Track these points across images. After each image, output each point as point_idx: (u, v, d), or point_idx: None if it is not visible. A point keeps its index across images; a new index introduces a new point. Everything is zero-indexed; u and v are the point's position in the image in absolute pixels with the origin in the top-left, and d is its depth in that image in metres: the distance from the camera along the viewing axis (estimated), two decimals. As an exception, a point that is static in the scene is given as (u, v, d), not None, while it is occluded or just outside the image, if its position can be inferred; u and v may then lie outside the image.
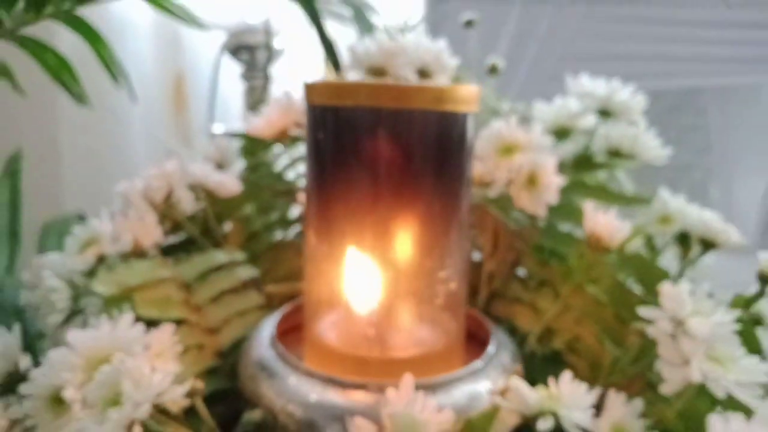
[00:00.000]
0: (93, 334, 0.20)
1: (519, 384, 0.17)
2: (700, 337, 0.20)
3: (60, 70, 0.54)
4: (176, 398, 0.19)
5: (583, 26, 0.69)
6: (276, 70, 0.75)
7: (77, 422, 0.18)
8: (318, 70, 0.76)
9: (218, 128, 0.80)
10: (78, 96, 0.60)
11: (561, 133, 0.32)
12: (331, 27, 0.45)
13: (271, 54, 0.65)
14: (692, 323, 0.20)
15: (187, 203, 0.31)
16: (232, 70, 0.79)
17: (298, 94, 0.37)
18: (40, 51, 0.44)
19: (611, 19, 0.69)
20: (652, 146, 0.30)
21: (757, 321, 0.28)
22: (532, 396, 0.17)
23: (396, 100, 0.19)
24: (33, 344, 0.48)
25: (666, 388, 0.20)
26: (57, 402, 0.20)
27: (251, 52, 0.74)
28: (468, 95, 0.20)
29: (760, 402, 0.20)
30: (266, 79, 0.73)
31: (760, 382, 0.20)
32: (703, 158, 0.83)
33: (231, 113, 0.90)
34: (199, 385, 0.20)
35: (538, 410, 0.17)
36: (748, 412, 0.19)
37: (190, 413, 0.21)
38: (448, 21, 0.71)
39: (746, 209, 0.84)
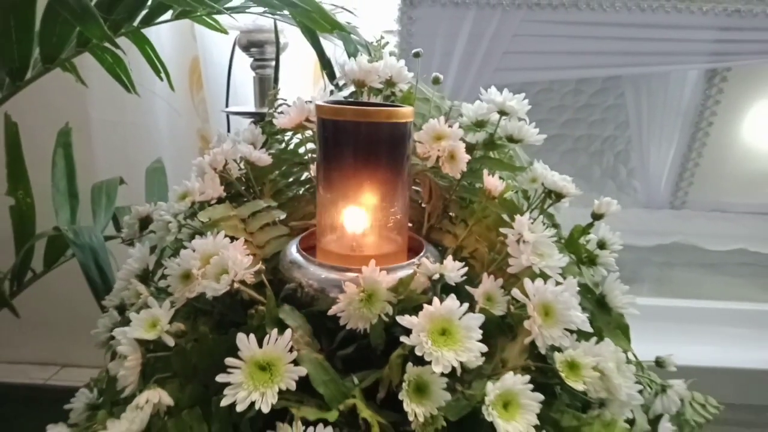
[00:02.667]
0: (203, 241, 0.35)
1: (425, 261, 0.33)
2: (530, 242, 0.35)
3: (116, 67, 0.68)
4: (251, 274, 0.34)
5: (523, 27, 0.83)
6: (282, 61, 0.86)
7: (200, 287, 0.34)
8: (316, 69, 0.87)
9: (232, 108, 0.94)
10: (128, 86, 0.74)
11: (479, 124, 0.47)
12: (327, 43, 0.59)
13: (278, 49, 0.78)
14: (526, 235, 0.36)
15: (236, 170, 0.46)
16: (244, 60, 0.91)
17: (304, 89, 0.52)
18: (99, 51, 0.58)
19: (547, 22, 0.83)
20: (531, 133, 0.45)
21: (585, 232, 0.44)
22: (432, 267, 0.33)
23: (367, 116, 0.34)
24: (104, 268, 0.64)
25: (512, 270, 0.36)
26: (186, 277, 0.35)
27: (261, 47, 0.86)
28: (407, 113, 0.35)
29: (560, 277, 0.36)
30: (274, 69, 0.85)
31: (561, 266, 0.36)
32: (624, 131, 0.98)
33: (242, 96, 1.03)
34: (263, 267, 0.35)
35: (434, 273, 0.32)
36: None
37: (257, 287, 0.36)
38: (418, 23, 0.85)
39: (659, 172, 1.01)
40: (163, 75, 0.71)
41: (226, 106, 0.96)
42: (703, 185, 0.99)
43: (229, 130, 0.98)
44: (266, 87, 0.90)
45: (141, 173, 0.95)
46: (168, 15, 0.57)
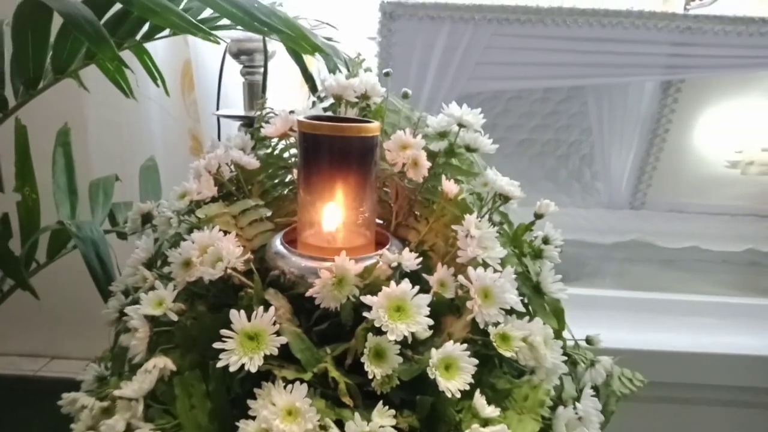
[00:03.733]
0: (201, 234, 0.42)
1: (386, 252, 0.40)
2: (476, 237, 0.42)
3: (117, 74, 0.74)
4: (241, 262, 0.41)
5: (494, 40, 0.90)
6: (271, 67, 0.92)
7: (199, 272, 0.40)
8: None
9: (222, 111, 1.00)
10: (127, 92, 0.80)
11: (441, 135, 0.54)
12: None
13: (266, 57, 0.83)
14: (473, 231, 0.42)
15: (227, 172, 0.52)
16: (234, 65, 0.97)
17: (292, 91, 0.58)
18: (103, 62, 0.64)
19: (515, 36, 0.90)
20: (485, 143, 0.52)
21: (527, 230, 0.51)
22: (391, 257, 0.39)
23: (340, 131, 0.41)
24: (105, 259, 0.70)
25: (461, 260, 0.43)
26: (186, 264, 0.41)
27: (250, 55, 0.92)
28: (374, 128, 0.42)
29: (499, 266, 0.42)
30: (262, 78, 0.91)
31: (501, 257, 0.43)
32: (588, 136, 1.06)
33: (231, 99, 1.09)
34: (251, 257, 0.42)
35: (393, 262, 0.39)
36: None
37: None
38: (397, 35, 0.91)
39: (620, 174, 1.08)
40: (159, 82, 0.77)
41: (217, 108, 1.02)
42: (661, 187, 1.07)
43: (219, 132, 1.04)
44: (255, 92, 0.96)
45: (134, 170, 1.01)
46: (166, 31, 0.63)
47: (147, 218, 0.54)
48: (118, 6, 0.51)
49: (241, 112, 0.96)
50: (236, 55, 0.91)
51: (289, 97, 1.17)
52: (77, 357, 1.78)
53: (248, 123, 0.95)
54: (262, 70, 0.93)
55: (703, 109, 1.03)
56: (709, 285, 1.01)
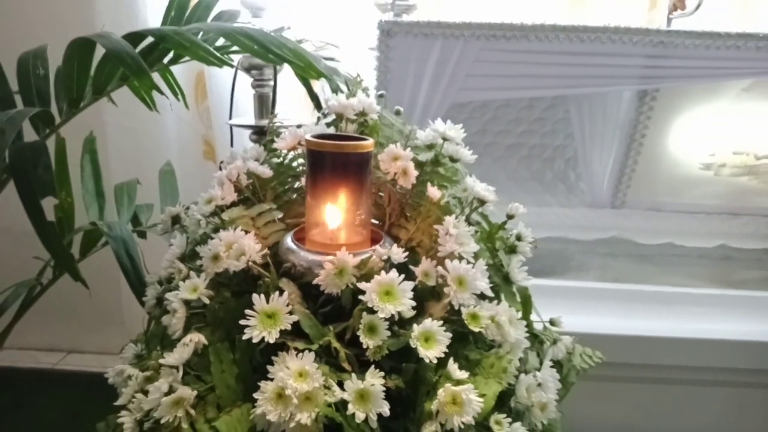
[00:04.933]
0: (226, 233, 0.50)
1: (379, 248, 0.48)
2: (454, 234, 0.51)
3: (145, 91, 0.82)
4: (260, 256, 0.49)
5: (482, 54, 0.98)
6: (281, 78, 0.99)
7: (225, 263, 0.49)
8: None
9: (235, 121, 1.08)
10: (150, 106, 0.89)
11: (429, 147, 0.62)
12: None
13: (276, 71, 0.91)
14: (451, 230, 0.51)
15: (245, 180, 0.60)
16: (245, 77, 1.05)
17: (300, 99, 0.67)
18: (134, 83, 0.72)
19: (502, 50, 0.98)
20: (466, 154, 0.60)
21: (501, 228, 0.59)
22: (382, 251, 0.48)
23: (340, 148, 0.49)
24: (133, 256, 0.78)
25: (441, 254, 0.51)
26: (215, 258, 0.50)
27: (260, 69, 1.00)
28: (369, 145, 0.51)
29: (473, 259, 0.51)
30: (272, 92, 0.99)
31: (474, 250, 0.51)
32: (572, 141, 1.14)
33: (242, 108, 1.17)
34: (268, 252, 0.50)
35: (384, 255, 0.48)
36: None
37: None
38: (394, 50, 0.99)
39: (601, 176, 1.16)
40: (180, 97, 0.86)
41: (230, 118, 1.10)
42: (639, 188, 1.15)
43: (232, 139, 1.12)
44: (264, 103, 1.04)
45: (151, 174, 1.10)
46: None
47: (176, 220, 0.63)
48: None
49: (252, 122, 1.04)
50: (247, 70, 0.99)
51: (295, 105, 1.26)
52: (92, 351, 1.88)
53: (258, 132, 1.04)
54: (271, 83, 1.01)
55: (677, 115, 1.11)
56: (684, 278, 1.09)
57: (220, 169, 1.11)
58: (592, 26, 0.99)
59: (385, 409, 0.41)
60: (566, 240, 1.13)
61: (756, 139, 1.14)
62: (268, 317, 0.44)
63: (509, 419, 0.44)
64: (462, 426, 0.41)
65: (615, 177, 1.15)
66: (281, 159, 0.65)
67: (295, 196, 0.64)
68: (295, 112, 1.26)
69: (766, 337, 0.87)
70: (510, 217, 0.59)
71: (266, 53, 0.55)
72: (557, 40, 0.98)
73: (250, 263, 0.48)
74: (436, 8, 1.26)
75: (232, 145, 1.12)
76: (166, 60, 0.69)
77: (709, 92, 1.10)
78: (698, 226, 1.15)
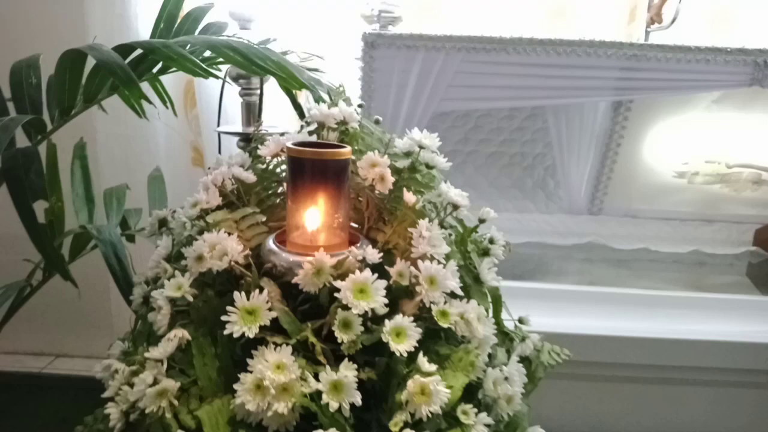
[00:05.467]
0: (210, 236, 0.53)
1: (354, 249, 0.51)
2: (426, 237, 0.54)
3: (134, 100, 0.84)
4: (242, 257, 0.52)
5: (463, 66, 1.01)
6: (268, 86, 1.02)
7: (209, 264, 0.51)
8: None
9: (223, 128, 1.11)
10: (140, 114, 0.91)
11: (406, 154, 0.65)
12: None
13: (262, 88, 0.95)
14: (424, 233, 0.54)
15: (230, 185, 0.63)
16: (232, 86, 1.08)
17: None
18: (124, 93, 0.75)
19: (482, 62, 1.02)
20: (441, 161, 0.63)
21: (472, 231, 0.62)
22: (358, 252, 0.51)
23: (319, 155, 0.52)
24: (122, 259, 0.80)
25: (414, 255, 0.54)
26: (200, 259, 0.52)
27: (247, 78, 1.03)
28: (346, 152, 0.53)
29: (444, 260, 0.54)
30: (258, 101, 1.02)
31: (446, 252, 0.54)
32: (551, 150, 1.17)
33: (230, 114, 1.20)
34: (250, 253, 0.53)
35: (359, 256, 0.51)
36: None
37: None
38: (378, 61, 1.03)
39: (579, 184, 1.20)
40: (169, 106, 0.88)
41: (218, 125, 1.13)
42: (615, 195, 1.19)
43: (220, 145, 1.15)
44: (251, 110, 1.07)
45: (140, 179, 1.12)
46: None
47: (163, 223, 0.66)
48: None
49: (239, 129, 1.07)
50: (235, 79, 1.02)
51: (282, 113, 1.28)
52: (79, 355, 1.88)
53: (246, 139, 1.07)
54: (258, 92, 1.05)
55: (651, 125, 1.15)
56: (658, 282, 1.12)
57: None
58: (568, 40, 1.03)
59: (357, 399, 0.44)
60: (545, 245, 1.17)
61: (727, 148, 1.18)
62: (248, 314, 0.46)
63: (476, 410, 0.47)
64: (430, 415, 0.44)
65: (592, 185, 1.18)
66: (265, 165, 0.68)
67: (278, 200, 0.66)
68: (282, 119, 1.29)
69: (736, 337, 0.91)
70: (482, 221, 0.62)
71: (250, 65, 0.58)
72: (535, 53, 1.02)
73: (233, 263, 0.51)
74: (419, 21, 1.29)
75: (220, 152, 1.14)
76: (155, 70, 0.71)
77: (681, 103, 1.14)
78: (672, 232, 1.19)
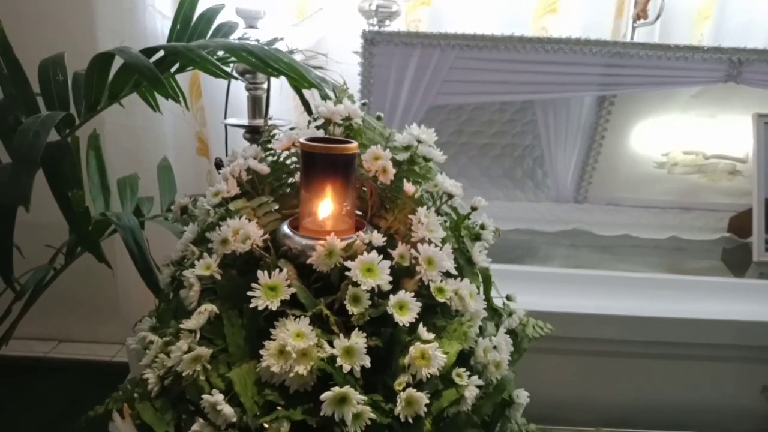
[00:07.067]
0: (232, 221, 0.59)
1: (362, 234, 0.58)
2: (424, 223, 0.60)
3: (149, 96, 0.90)
4: (261, 241, 0.58)
5: (457, 62, 1.07)
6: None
7: (234, 246, 0.58)
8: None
9: (230, 121, 1.17)
10: (154, 107, 0.97)
11: (405, 148, 0.72)
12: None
13: (270, 84, 1.01)
14: (423, 219, 0.61)
15: (245, 176, 0.69)
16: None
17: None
18: (143, 90, 0.81)
19: (474, 58, 1.08)
20: (437, 154, 0.69)
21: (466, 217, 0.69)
22: (364, 236, 0.58)
23: (330, 150, 0.59)
24: (140, 243, 0.86)
25: (414, 239, 0.61)
26: (225, 242, 0.59)
27: (253, 73, 1.09)
28: (353, 147, 0.60)
29: (441, 244, 0.60)
30: (265, 94, 1.08)
31: (442, 236, 0.61)
32: (540, 141, 1.24)
33: (235, 106, 1.26)
34: (268, 237, 0.59)
35: (366, 240, 0.57)
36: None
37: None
38: (377, 57, 1.09)
39: (565, 174, 1.27)
40: (181, 100, 0.94)
41: (225, 117, 1.19)
42: (599, 184, 1.27)
43: (226, 137, 1.21)
44: (257, 104, 1.13)
45: (148, 168, 1.18)
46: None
47: (184, 210, 0.72)
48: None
49: (246, 121, 1.13)
50: (242, 74, 1.07)
51: (284, 105, 1.34)
52: (83, 340, 1.95)
53: (252, 131, 1.13)
54: (263, 85, 1.10)
55: (634, 119, 1.22)
56: (639, 266, 1.20)
57: (216, 164, 1.20)
58: (556, 38, 1.09)
59: (367, 362, 0.51)
60: (533, 232, 1.24)
61: (704, 140, 1.26)
62: (270, 290, 0.53)
63: (468, 373, 0.54)
64: (429, 377, 0.51)
65: (577, 175, 1.26)
66: (276, 158, 0.75)
67: (288, 190, 0.73)
68: (284, 111, 1.35)
69: (710, 316, 0.98)
70: (474, 208, 0.69)
71: (265, 67, 0.64)
72: (524, 50, 1.09)
73: (254, 246, 0.57)
74: (416, 20, 1.35)
75: (226, 143, 1.20)
76: (173, 69, 0.77)
77: (662, 98, 1.21)
78: (652, 219, 1.27)
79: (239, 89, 1.20)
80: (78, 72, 0.78)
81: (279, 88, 1.22)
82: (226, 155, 1.21)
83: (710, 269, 1.21)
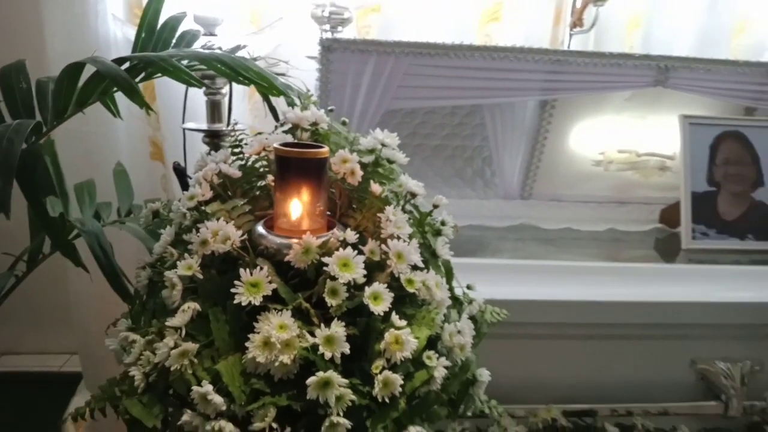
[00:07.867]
0: (211, 223, 0.62)
1: (336, 232, 0.62)
2: (392, 220, 0.65)
3: (110, 102, 0.91)
4: (239, 240, 0.62)
5: (411, 68, 1.13)
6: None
7: (213, 247, 0.61)
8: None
9: (188, 125, 1.18)
10: (114, 113, 0.97)
11: (370, 151, 0.76)
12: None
13: (231, 88, 1.03)
14: (390, 217, 0.65)
15: (216, 180, 0.72)
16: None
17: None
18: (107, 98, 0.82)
19: (427, 65, 1.14)
20: (400, 157, 0.74)
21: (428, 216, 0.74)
22: (338, 234, 0.62)
23: (303, 155, 0.63)
24: (105, 248, 0.87)
25: (383, 235, 0.66)
26: (204, 243, 0.62)
27: (212, 79, 1.11)
28: (325, 152, 0.64)
29: (408, 239, 0.66)
30: (223, 95, 1.10)
31: (409, 232, 0.66)
32: (488, 143, 1.32)
33: (191, 110, 1.26)
34: (246, 237, 0.63)
35: (339, 237, 0.62)
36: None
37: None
38: (334, 63, 1.13)
39: (512, 172, 1.36)
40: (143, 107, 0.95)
41: (183, 122, 1.20)
42: (543, 182, 1.35)
43: (185, 142, 1.22)
44: (216, 108, 1.15)
45: (102, 173, 1.18)
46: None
47: (155, 214, 0.74)
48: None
49: (205, 126, 1.15)
50: (201, 79, 1.09)
51: (241, 107, 1.36)
52: (28, 352, 1.90)
53: (211, 135, 1.15)
54: (223, 90, 1.12)
55: (573, 121, 1.32)
56: (580, 255, 1.29)
57: (174, 168, 1.21)
58: (500, 46, 1.17)
59: (347, 349, 0.55)
60: (484, 227, 1.31)
61: (637, 140, 1.37)
62: (252, 286, 0.57)
63: (437, 355, 0.60)
64: (402, 360, 0.56)
65: (523, 173, 1.34)
66: (244, 162, 0.78)
67: (258, 192, 0.76)
68: (240, 114, 1.37)
69: (645, 298, 1.07)
70: (435, 206, 0.75)
71: (236, 76, 0.67)
72: (473, 58, 1.16)
73: (233, 246, 0.60)
74: (367, 26, 1.40)
75: (185, 147, 1.21)
76: (138, 78, 0.79)
77: (597, 102, 1.31)
78: (591, 213, 1.37)
79: (196, 93, 1.21)
80: (41, 79, 0.79)
81: (237, 93, 1.24)
82: (185, 159, 1.22)
83: (644, 257, 1.32)
